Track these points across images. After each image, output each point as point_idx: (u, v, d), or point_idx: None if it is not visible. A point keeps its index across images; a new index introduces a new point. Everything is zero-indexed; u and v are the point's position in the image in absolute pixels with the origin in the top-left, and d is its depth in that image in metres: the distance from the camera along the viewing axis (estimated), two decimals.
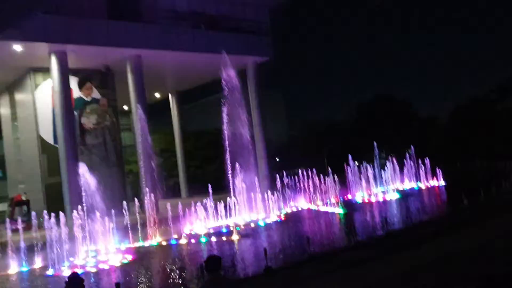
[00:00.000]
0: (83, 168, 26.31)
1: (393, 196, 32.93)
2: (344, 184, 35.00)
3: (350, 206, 29.70)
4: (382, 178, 37.64)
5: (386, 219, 20.49)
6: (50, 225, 22.07)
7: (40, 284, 18.41)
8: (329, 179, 32.87)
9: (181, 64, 44.23)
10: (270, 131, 56.61)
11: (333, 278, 12.81)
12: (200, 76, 51.09)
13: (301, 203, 32.82)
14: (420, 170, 40.15)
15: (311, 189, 33.19)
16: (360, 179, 35.95)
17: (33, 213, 24.68)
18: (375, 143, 39.18)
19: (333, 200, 31.07)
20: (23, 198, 42.14)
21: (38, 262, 21.77)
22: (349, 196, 34.22)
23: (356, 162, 36.97)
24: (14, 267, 21.48)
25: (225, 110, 32.82)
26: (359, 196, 34.16)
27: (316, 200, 32.22)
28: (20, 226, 26.67)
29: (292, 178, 34.84)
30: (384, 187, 36.30)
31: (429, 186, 38.32)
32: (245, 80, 48.53)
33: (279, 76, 67.23)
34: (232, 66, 47.41)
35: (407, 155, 40.27)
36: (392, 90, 72.30)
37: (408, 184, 39.35)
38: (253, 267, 15.35)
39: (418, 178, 40.01)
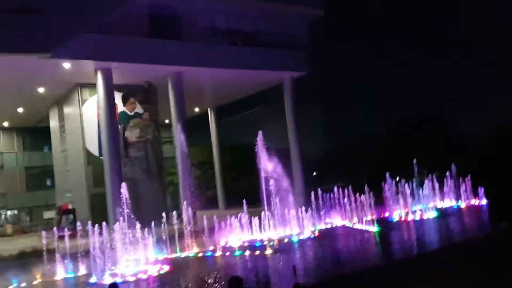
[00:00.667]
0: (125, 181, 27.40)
1: (431, 215, 32.52)
2: (381, 201, 34.85)
3: (385, 224, 29.62)
4: (420, 196, 37.24)
5: (419, 239, 20.45)
6: (93, 234, 23.30)
7: None
8: (365, 196, 32.76)
9: (219, 80, 45.46)
10: (307, 146, 57.01)
11: None
12: (237, 92, 52.28)
13: (336, 220, 32.95)
14: (461, 188, 39.45)
15: (347, 206, 33.19)
16: (398, 196, 35.62)
17: (78, 223, 26.02)
18: (414, 160, 38.83)
19: (368, 218, 30.97)
20: (70, 207, 44.22)
21: (82, 270, 22.93)
22: (386, 214, 34.04)
23: (395, 179, 36.74)
24: (60, 274, 22.73)
25: (260, 125, 33.51)
26: (396, 214, 33.91)
27: (352, 217, 32.23)
28: (66, 234, 28.23)
29: (328, 194, 34.92)
30: (422, 205, 35.81)
31: (470, 205, 37.53)
32: (282, 95, 49.33)
33: (316, 91, 67.36)
34: (268, 81, 48.52)
35: (448, 173, 39.68)
36: (431, 107, 71.19)
37: (448, 203, 38.70)
38: (283, 284, 15.94)
39: (458, 197, 39.30)
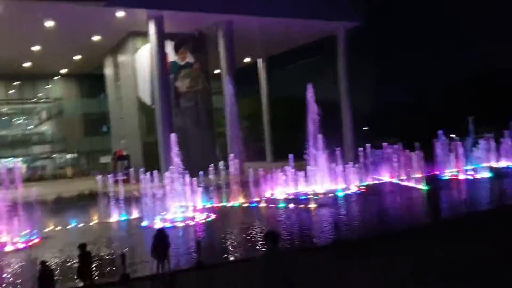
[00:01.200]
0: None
1: (484, 175, 31.38)
2: (432, 158, 33.93)
3: (435, 182, 28.93)
4: (475, 155, 35.92)
5: (467, 199, 19.80)
6: (146, 180, 24.29)
7: (136, 233, 20.52)
8: (416, 153, 31.81)
9: (271, 30, 44.68)
10: (359, 100, 55.80)
11: (399, 256, 13.13)
12: (289, 42, 51.38)
13: (385, 176, 32.56)
14: None
15: (397, 162, 32.48)
16: (450, 154, 34.54)
17: (131, 170, 27.18)
18: (470, 118, 37.14)
19: (418, 175, 30.20)
20: (124, 153, 46.00)
21: (134, 213, 24.11)
22: (437, 172, 33.16)
23: (449, 137, 35.45)
24: (114, 216, 24.05)
25: (311, 76, 32.97)
26: (447, 172, 32.98)
27: (400, 174, 31.65)
28: (120, 178, 29.63)
29: (378, 149, 34.29)
30: (476, 165, 34.55)
31: None
32: (335, 46, 48.08)
33: (370, 43, 64.97)
34: (321, 32, 47.30)
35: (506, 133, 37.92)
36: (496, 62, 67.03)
37: (504, 163, 37.16)
38: (323, 238, 16.16)
39: None
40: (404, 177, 30.77)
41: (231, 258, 14.76)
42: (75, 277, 11.92)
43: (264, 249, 9.38)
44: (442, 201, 22.28)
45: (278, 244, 6.88)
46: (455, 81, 67.69)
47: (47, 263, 11.42)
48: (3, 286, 13.37)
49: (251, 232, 18.17)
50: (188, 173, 25.92)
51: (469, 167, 34.15)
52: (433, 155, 33.93)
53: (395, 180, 31.16)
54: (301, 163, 30.73)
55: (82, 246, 11.99)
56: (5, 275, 14.60)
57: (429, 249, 13.34)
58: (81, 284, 11.60)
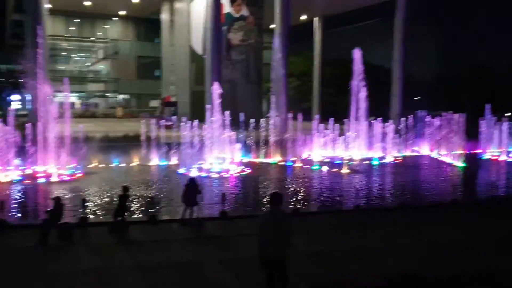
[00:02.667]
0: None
1: None
2: (477, 136, 33.12)
3: (474, 161, 28.50)
4: None
5: (501, 182, 19.36)
6: (189, 129, 25.09)
7: (172, 178, 21.56)
8: (461, 128, 30.98)
9: None
10: (414, 69, 54.22)
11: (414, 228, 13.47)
12: (348, 2, 50.08)
13: (424, 149, 32.20)
14: None
15: (440, 136, 31.93)
16: (494, 133, 33.45)
17: (174, 117, 27.92)
18: None
19: (459, 152, 29.64)
20: (173, 99, 47.35)
21: (173, 160, 25.23)
22: (479, 151, 32.43)
23: (499, 115, 34.25)
24: (155, 160, 25.29)
25: (367, 40, 32.30)
26: (489, 151, 32.18)
27: (440, 149, 31.18)
28: (164, 124, 30.71)
29: (425, 121, 33.57)
30: None
31: None
32: (394, 11, 46.46)
33: (432, 10, 62.20)
34: None
35: None
36: None
37: None
38: (345, 204, 16.63)
39: None
40: (443, 152, 30.30)
41: (254, 212, 15.46)
42: (112, 213, 12.97)
43: (266, 208, 10.03)
44: (474, 181, 22.15)
45: (280, 205, 7.41)
46: None
47: (61, 200, 12.48)
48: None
49: (280, 190, 18.78)
50: (232, 126, 26.52)
51: None
52: (478, 132, 33.09)
53: (433, 154, 30.79)
54: (343, 127, 30.87)
55: (125, 188, 13.01)
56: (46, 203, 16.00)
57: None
58: (112, 219, 12.65)
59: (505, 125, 33.29)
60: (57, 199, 12.33)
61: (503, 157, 30.38)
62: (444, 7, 65.39)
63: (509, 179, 23.54)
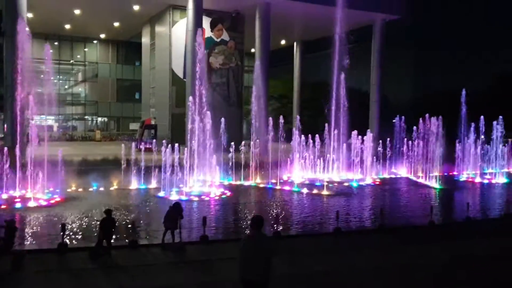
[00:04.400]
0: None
1: (500, 180, 31.16)
2: (453, 158, 33.76)
3: (450, 182, 29.03)
4: (497, 159, 35.39)
5: (475, 204, 19.59)
6: (168, 152, 25.01)
7: (152, 202, 21.41)
8: (439, 150, 31.52)
9: (309, 15, 44.78)
10: (391, 92, 55.34)
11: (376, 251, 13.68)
12: (326, 28, 51.01)
13: (402, 171, 32.73)
14: None
15: (418, 158, 32.47)
16: (470, 156, 34.18)
17: (154, 140, 27.90)
18: (498, 119, 35.86)
19: (435, 173, 30.18)
20: (152, 122, 47.24)
21: (153, 183, 25.07)
22: (455, 172, 33.10)
23: (477, 137, 34.89)
24: (134, 184, 25.08)
25: (337, 63, 33.08)
26: (464, 174, 32.87)
27: (418, 171, 31.73)
28: (143, 147, 30.59)
29: (403, 143, 34.15)
30: (495, 169, 34.13)
31: None
32: (371, 37, 47.70)
33: (408, 36, 63.97)
34: (359, 21, 46.86)
35: None
36: None
37: None
38: (325, 226, 16.74)
39: None
40: (421, 175, 30.85)
41: (235, 235, 15.45)
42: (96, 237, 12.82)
43: (248, 232, 10.08)
44: (449, 203, 22.60)
45: (262, 228, 7.49)
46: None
47: (14, 222, 12.20)
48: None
49: (261, 213, 18.80)
50: (211, 149, 26.53)
51: (487, 170, 34.01)
52: (455, 154, 33.78)
53: (411, 177, 31.30)
54: (322, 149, 31.21)
55: (108, 211, 12.88)
56: (27, 230, 15.73)
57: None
58: (95, 244, 12.50)
59: (479, 148, 34.09)
60: (9, 223, 11.99)
61: (478, 179, 31.09)
62: (418, 32, 67.23)
63: (483, 201, 24.03)
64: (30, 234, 14.81)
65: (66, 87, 68.15)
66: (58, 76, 67.12)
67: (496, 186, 29.30)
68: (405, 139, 34.09)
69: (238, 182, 27.16)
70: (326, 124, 32.69)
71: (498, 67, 68.00)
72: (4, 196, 20.71)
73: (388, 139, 33.81)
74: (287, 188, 25.53)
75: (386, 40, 47.26)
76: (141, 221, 16.79)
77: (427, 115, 32.50)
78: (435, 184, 27.62)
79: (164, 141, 27.43)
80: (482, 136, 35.26)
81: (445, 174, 31.30)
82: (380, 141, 33.57)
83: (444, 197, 24.63)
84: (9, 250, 11.45)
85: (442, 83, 69.70)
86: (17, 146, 22.10)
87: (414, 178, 30.65)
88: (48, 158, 21.82)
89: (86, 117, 67.11)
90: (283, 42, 58.28)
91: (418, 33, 66.72)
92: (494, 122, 34.94)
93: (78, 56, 65.05)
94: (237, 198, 22.73)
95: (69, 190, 22.68)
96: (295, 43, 58.45)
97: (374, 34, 47.16)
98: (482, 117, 34.80)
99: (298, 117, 34.65)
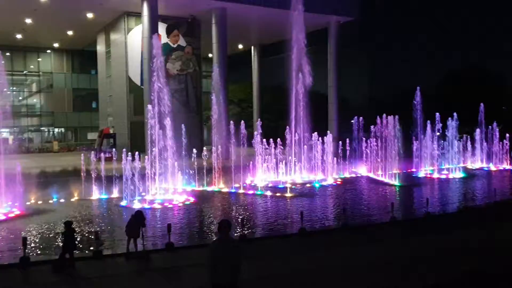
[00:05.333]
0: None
1: (457, 175, 32.42)
2: (411, 155, 34.79)
3: (409, 179, 29.92)
4: (452, 154, 36.67)
5: (433, 199, 20.18)
6: (128, 160, 24.72)
7: (115, 212, 21.12)
8: (396, 148, 32.24)
9: (265, 19, 45.18)
10: (349, 93, 56.47)
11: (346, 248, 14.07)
12: (282, 32, 51.66)
13: (362, 170, 33.49)
14: (500, 150, 38.72)
15: (376, 157, 33.28)
16: (427, 152, 35.28)
17: (113, 149, 27.52)
18: (454, 116, 37.00)
19: (395, 171, 31.02)
20: (111, 131, 46.45)
21: (115, 193, 24.72)
22: (413, 169, 34.13)
23: (437, 132, 35.98)
24: (95, 194, 24.64)
25: (295, 66, 33.62)
26: (422, 170, 33.96)
27: (378, 169, 32.52)
28: (103, 157, 30.08)
29: (361, 143, 34.92)
30: (452, 165, 35.46)
31: (502, 169, 36.96)
32: (326, 39, 48.60)
33: (365, 37, 65.61)
34: (314, 24, 47.69)
35: (489, 133, 38.88)
36: (486, 62, 68.38)
37: (479, 164, 38.35)
38: (291, 227, 17.00)
39: (491, 159, 38.80)
40: (380, 173, 31.65)
41: (201, 241, 15.48)
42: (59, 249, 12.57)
43: (215, 237, 10.14)
44: (408, 199, 23.34)
45: (229, 232, 7.58)
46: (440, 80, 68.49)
47: None
48: None
49: (226, 217, 18.85)
50: (173, 156, 26.40)
51: (445, 166, 35.24)
52: (412, 152, 34.82)
53: (371, 175, 32.08)
54: (284, 151, 31.55)
55: (68, 223, 12.64)
56: None
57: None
58: (58, 256, 12.26)
59: (436, 144, 35.26)
60: None
61: (436, 175, 32.19)
62: (372, 33, 68.98)
63: (442, 196, 24.89)
64: None
65: (20, 98, 66.09)
66: (11, 87, 65.11)
67: (453, 181, 30.36)
68: (364, 138, 34.89)
69: (201, 188, 27.13)
70: (287, 127, 33.05)
71: (450, 65, 70.66)
72: None
73: (347, 139, 34.51)
74: (250, 192, 25.68)
75: (341, 42, 48.29)
76: (104, 231, 16.56)
77: (384, 114, 33.25)
78: (394, 181, 28.41)
79: (124, 149, 27.05)
80: (438, 133, 36.45)
81: (404, 171, 32.22)
82: (340, 141, 34.22)
83: (404, 193, 25.38)
84: None
85: (397, 82, 71.72)
86: None
87: (374, 176, 31.43)
88: (5, 171, 21.18)
89: (42, 128, 65.24)
90: (240, 46, 58.56)
91: (371, 34, 68.49)
92: (449, 119, 36.24)
93: (32, 66, 63.23)
94: (201, 204, 22.68)
95: (28, 203, 22.07)
96: (252, 47, 58.84)
97: (330, 36, 48.08)
98: (437, 113, 35.96)
99: (259, 120, 34.83)
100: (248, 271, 8.38)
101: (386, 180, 29.50)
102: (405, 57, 72.96)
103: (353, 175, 32.51)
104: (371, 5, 61.79)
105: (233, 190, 26.40)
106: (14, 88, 65.24)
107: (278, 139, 31.29)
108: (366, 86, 71.66)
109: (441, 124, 36.10)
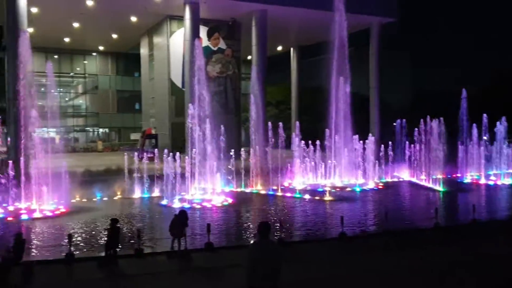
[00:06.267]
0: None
1: (506, 181, 30.96)
2: (456, 159, 33.67)
3: (454, 185, 28.86)
4: (502, 159, 35.23)
5: (474, 207, 19.15)
6: (170, 160, 25.11)
7: (155, 211, 21.49)
8: (441, 153, 31.22)
9: (305, 20, 44.92)
10: (390, 95, 55.43)
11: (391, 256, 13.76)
12: (323, 33, 51.27)
13: (404, 175, 32.69)
14: None
15: (419, 161, 32.34)
16: (473, 157, 34.11)
17: (155, 150, 27.99)
18: (502, 119, 35.51)
19: (439, 176, 30.02)
20: (153, 132, 47.38)
21: (156, 192, 25.17)
22: (458, 174, 33.02)
23: (480, 138, 34.74)
24: (137, 193, 25.17)
25: (335, 68, 33.27)
26: (468, 175, 32.81)
27: (421, 174, 31.63)
28: (145, 157, 30.76)
29: (405, 146, 33.95)
30: (500, 170, 33.95)
31: None
32: (368, 40, 47.90)
33: (405, 38, 64.34)
34: (356, 25, 47.06)
35: None
36: None
37: None
38: (329, 232, 16.76)
39: None
40: (424, 177, 30.80)
41: (240, 242, 15.53)
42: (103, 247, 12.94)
43: (254, 240, 10.08)
44: (454, 206, 22.55)
45: (268, 236, 7.50)
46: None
47: (21, 234, 12.38)
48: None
49: (264, 219, 18.85)
50: (212, 156, 26.61)
51: (492, 171, 33.87)
52: (457, 156, 33.68)
53: (414, 179, 31.29)
54: (323, 154, 31.23)
55: (114, 221, 13.00)
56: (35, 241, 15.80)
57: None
58: (103, 253, 12.63)
59: (482, 149, 33.96)
60: (18, 235, 12.16)
61: (483, 180, 31.10)
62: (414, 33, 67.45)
63: (489, 203, 23.98)
64: (37, 245, 14.89)
65: (67, 99, 68.34)
66: (59, 89, 67.36)
67: (502, 187, 29.22)
68: (407, 142, 34.04)
69: (239, 189, 27.19)
70: (327, 129, 32.72)
71: (498, 64, 68.10)
72: (11, 208, 20.86)
73: (390, 142, 33.73)
74: (288, 194, 25.54)
75: (383, 43, 47.47)
76: (146, 229, 16.86)
77: (428, 116, 32.34)
78: (438, 186, 27.59)
79: (166, 149, 27.49)
80: (485, 137, 35.12)
81: (448, 176, 31.21)
82: (382, 144, 33.54)
83: (449, 199, 24.62)
84: (18, 262, 11.56)
85: (440, 83, 69.90)
86: (21, 159, 22.20)
87: (417, 181, 30.63)
88: (52, 170, 21.94)
89: (87, 128, 67.28)
90: (279, 48, 58.46)
91: (413, 34, 67.03)
92: (498, 123, 34.84)
93: (78, 69, 65.33)
94: (239, 205, 22.75)
95: (73, 200, 22.77)
96: (291, 49, 58.64)
97: (372, 37, 47.35)
98: (484, 115, 34.63)
99: (297, 122, 34.69)
100: (287, 275, 8.31)
101: (430, 185, 28.69)
102: (449, 55, 70.83)
103: (395, 180, 31.79)
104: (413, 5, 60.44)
105: (271, 192, 26.36)
106: (61, 89, 67.53)
107: (317, 141, 31.03)
108: (409, 88, 70.16)
109: (488, 127, 34.85)
